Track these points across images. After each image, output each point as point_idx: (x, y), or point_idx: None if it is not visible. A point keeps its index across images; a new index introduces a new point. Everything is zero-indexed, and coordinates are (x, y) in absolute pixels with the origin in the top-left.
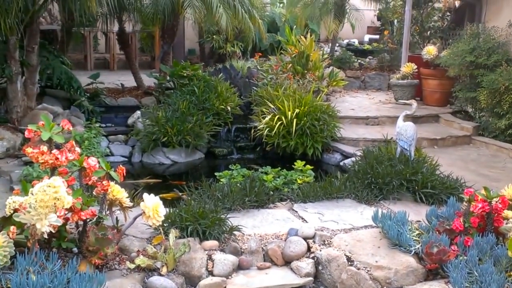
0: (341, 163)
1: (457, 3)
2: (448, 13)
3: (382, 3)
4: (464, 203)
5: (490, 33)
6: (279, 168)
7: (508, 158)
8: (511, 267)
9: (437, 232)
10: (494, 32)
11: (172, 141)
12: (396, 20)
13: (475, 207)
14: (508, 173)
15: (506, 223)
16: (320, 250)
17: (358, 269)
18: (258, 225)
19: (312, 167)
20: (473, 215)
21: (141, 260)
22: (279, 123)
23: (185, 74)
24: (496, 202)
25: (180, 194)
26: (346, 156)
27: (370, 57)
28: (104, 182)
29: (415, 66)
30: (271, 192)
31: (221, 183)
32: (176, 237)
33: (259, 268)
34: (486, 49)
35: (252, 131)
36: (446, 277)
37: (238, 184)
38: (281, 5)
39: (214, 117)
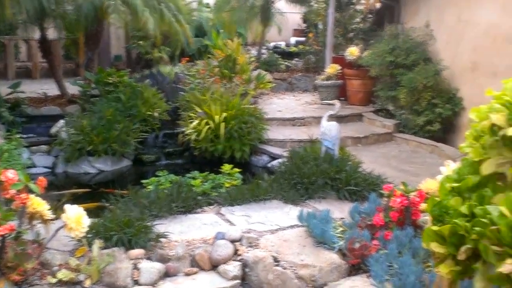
0: (269, 165)
1: (377, 5)
2: (369, 15)
3: (306, 6)
4: (385, 198)
5: (408, 34)
6: (208, 172)
7: (427, 153)
8: (428, 258)
9: (359, 228)
10: (412, 32)
11: (98, 149)
12: (320, 23)
13: (394, 202)
14: (427, 168)
15: (423, 216)
16: (247, 252)
17: (284, 268)
18: (185, 230)
19: (240, 170)
20: (393, 209)
21: (63, 274)
22: (206, 127)
23: (110, 81)
24: (414, 196)
25: (106, 203)
26: (273, 157)
27: (296, 59)
28: (22, 195)
29: (339, 67)
30: (199, 197)
31: (148, 190)
32: (100, 247)
33: (187, 274)
34: (405, 49)
35: (180, 136)
36: (368, 271)
37: (165, 190)
38: (208, 10)
39: (141, 124)
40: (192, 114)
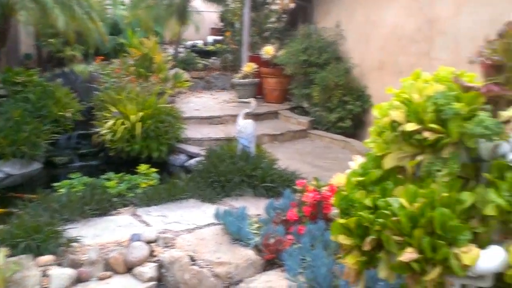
0: (187, 164)
1: (291, 5)
2: (283, 15)
3: (223, 5)
4: (298, 194)
5: (320, 34)
6: (124, 173)
7: (339, 148)
8: (338, 250)
9: (274, 224)
10: (324, 32)
11: (5, 152)
12: (237, 22)
13: (307, 197)
14: (339, 163)
15: (334, 210)
16: (164, 253)
17: (201, 267)
18: (99, 234)
19: (157, 170)
20: (306, 204)
21: None
22: (122, 127)
23: (18, 80)
24: (326, 190)
25: (14, 209)
26: (191, 156)
27: (214, 57)
28: None
29: (256, 66)
30: (114, 199)
31: (60, 193)
32: (6, 256)
33: (100, 279)
34: (317, 48)
35: (95, 137)
36: (282, 266)
37: (78, 193)
38: (124, 7)
39: (52, 125)
40: (107, 114)
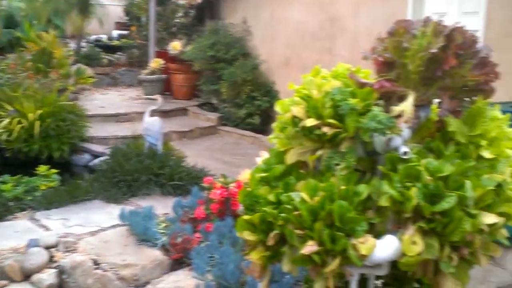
0: (91, 164)
1: (198, 0)
2: (191, 10)
3: None
4: (206, 191)
5: (228, 29)
6: (21, 175)
7: (248, 144)
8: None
9: (182, 222)
10: (232, 28)
11: None
12: (143, 16)
13: (214, 194)
14: (248, 159)
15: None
16: (65, 258)
17: (105, 271)
18: None
19: (58, 170)
20: (213, 201)
21: None
22: (19, 126)
23: None
24: (233, 187)
25: None
26: (96, 155)
27: (119, 53)
28: None
29: (163, 62)
30: (10, 203)
31: None
32: None
33: None
34: (225, 44)
35: None
36: (191, 265)
37: None
38: None
39: None
40: (1, 113)
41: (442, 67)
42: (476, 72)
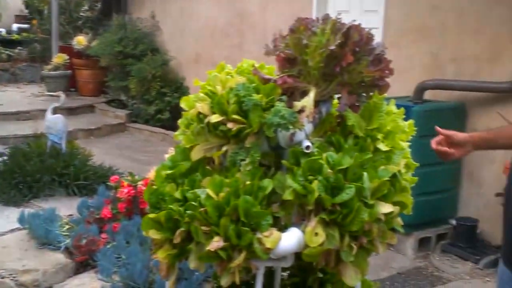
0: None
1: None
2: (96, 3)
3: None
4: (113, 190)
5: (135, 24)
6: None
7: (159, 141)
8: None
9: (87, 223)
10: (140, 23)
11: None
12: (45, 9)
13: (121, 193)
14: (158, 156)
15: None
16: None
17: (3, 278)
18: None
19: None
20: (121, 200)
21: None
22: None
23: None
24: (141, 185)
25: None
26: None
27: (20, 47)
28: None
29: (67, 57)
30: None
31: None
32: None
33: None
34: (133, 39)
35: None
36: (96, 267)
37: None
38: None
39: None
40: None
41: (340, 63)
42: (372, 68)
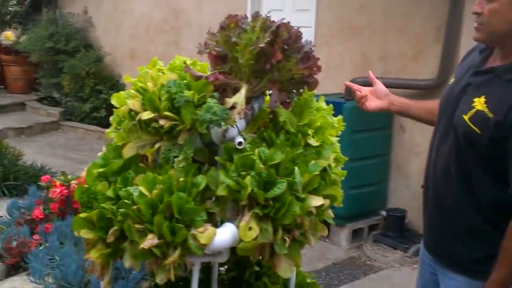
0: None
1: None
2: None
3: None
4: (45, 190)
5: (67, 19)
6: None
7: (94, 139)
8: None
9: (17, 225)
10: (71, 18)
11: None
12: None
13: (54, 193)
14: (94, 154)
15: None
16: None
17: None
18: None
19: None
20: (53, 200)
21: None
22: None
23: None
24: (75, 184)
25: None
26: None
27: None
28: None
29: None
30: None
31: None
32: None
33: None
34: (65, 35)
35: None
36: (28, 269)
37: None
38: None
39: None
40: None
41: (270, 60)
42: (301, 65)
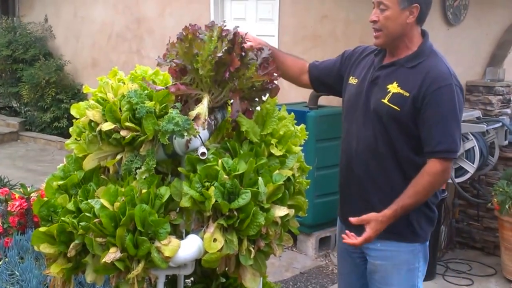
0: None
1: None
2: None
3: None
4: (3, 203)
5: (26, 28)
6: None
7: (56, 150)
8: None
9: None
10: (30, 26)
11: None
12: None
13: (12, 206)
14: (55, 165)
15: None
16: None
17: None
18: None
19: None
20: (12, 214)
21: None
22: None
23: None
24: (35, 197)
25: None
26: None
27: None
28: None
29: None
30: None
31: None
32: None
33: None
34: (24, 43)
35: None
36: None
37: None
38: None
39: None
40: None
41: (229, 69)
42: (261, 72)
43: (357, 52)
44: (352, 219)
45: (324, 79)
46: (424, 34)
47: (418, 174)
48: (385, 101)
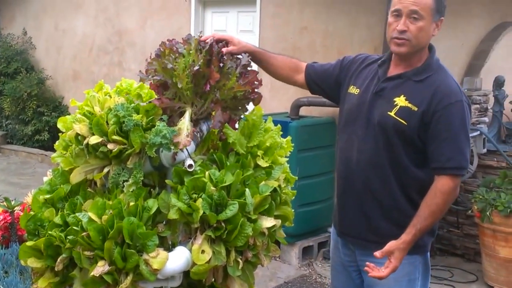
0: None
1: None
2: None
3: None
4: None
5: (7, 41)
6: None
7: (37, 163)
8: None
9: None
10: (11, 40)
11: None
12: None
13: None
14: (37, 179)
15: None
16: None
17: None
18: None
19: None
20: None
21: None
22: None
23: None
24: (19, 211)
25: None
26: None
27: None
28: None
29: None
30: None
31: None
32: None
33: None
34: (5, 57)
35: None
36: None
37: None
38: None
39: None
40: None
41: (209, 81)
42: (242, 82)
43: (358, 61)
44: (377, 254)
45: (321, 83)
46: (430, 48)
47: (429, 193)
48: (392, 114)
